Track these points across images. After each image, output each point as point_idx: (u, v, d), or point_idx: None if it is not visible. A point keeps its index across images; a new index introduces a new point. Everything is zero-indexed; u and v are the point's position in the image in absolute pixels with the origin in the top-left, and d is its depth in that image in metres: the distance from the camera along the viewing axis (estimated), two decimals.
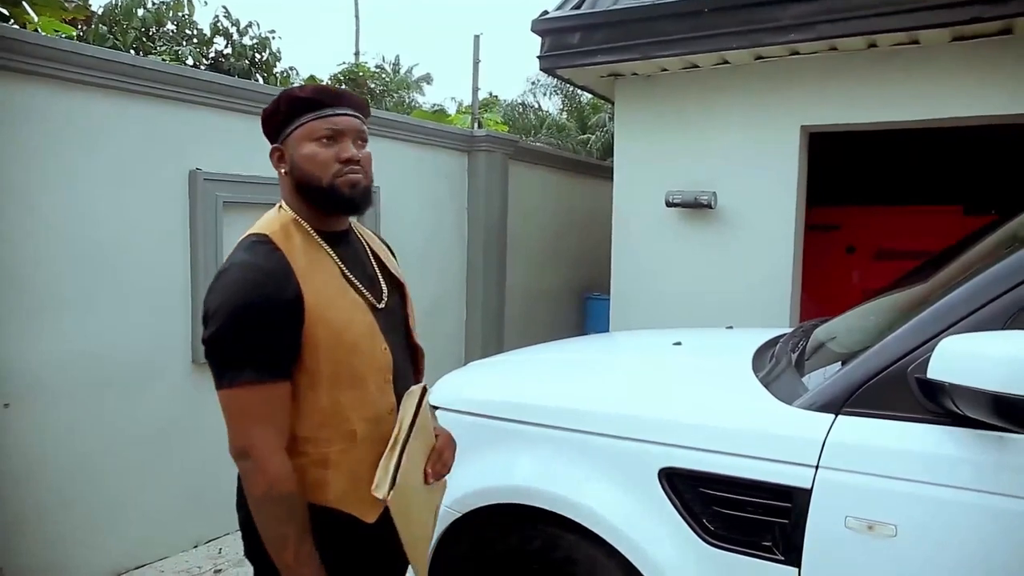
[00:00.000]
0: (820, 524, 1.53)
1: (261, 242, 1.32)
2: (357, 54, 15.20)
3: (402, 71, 16.82)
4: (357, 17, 16.34)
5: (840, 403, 1.58)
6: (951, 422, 1.46)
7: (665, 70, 4.39)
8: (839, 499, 1.52)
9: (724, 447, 1.67)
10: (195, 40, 7.74)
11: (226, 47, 8.01)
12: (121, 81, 2.93)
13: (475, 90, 5.07)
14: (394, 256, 1.66)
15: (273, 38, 8.37)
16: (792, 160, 4.09)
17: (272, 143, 1.42)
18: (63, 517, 2.88)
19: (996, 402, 1.30)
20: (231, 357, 1.25)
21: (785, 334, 2.49)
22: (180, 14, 7.98)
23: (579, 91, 15.24)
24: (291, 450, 1.31)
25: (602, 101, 14.06)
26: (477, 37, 4.98)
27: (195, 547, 3.36)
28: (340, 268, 1.39)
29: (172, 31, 7.95)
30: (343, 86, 10.52)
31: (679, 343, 2.46)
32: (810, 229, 4.39)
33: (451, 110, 14.96)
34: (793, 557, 1.56)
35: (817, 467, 1.55)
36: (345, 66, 10.88)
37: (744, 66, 4.15)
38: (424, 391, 1.42)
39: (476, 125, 5.01)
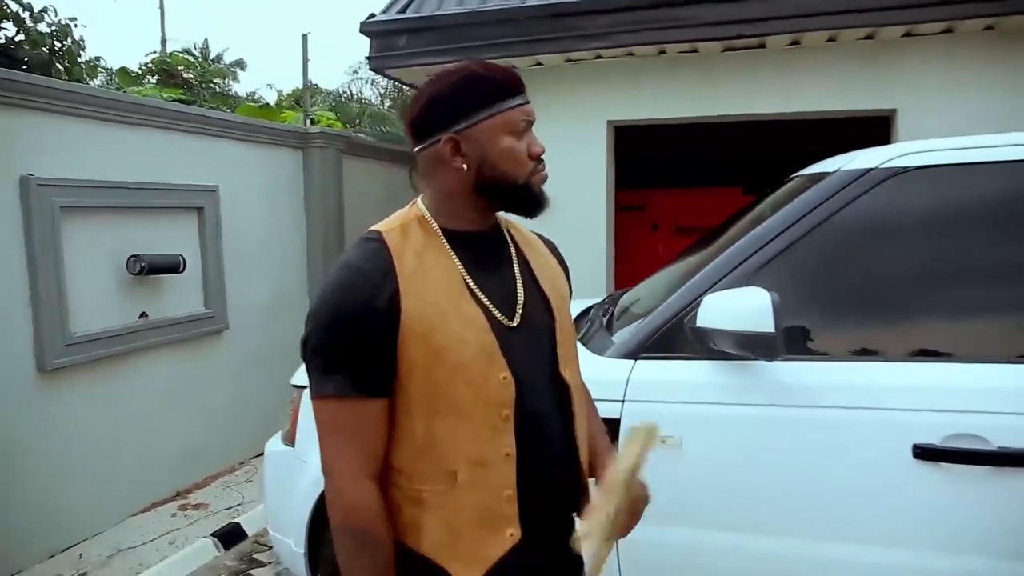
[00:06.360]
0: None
1: (370, 239, 1.17)
2: (164, 41, 14.31)
3: (212, 57, 16.01)
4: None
5: (638, 351, 2.06)
6: (714, 358, 1.98)
7: None
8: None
9: None
10: None
11: (17, 34, 7.27)
12: None
13: (306, 87, 5.20)
14: (565, 268, 1.42)
15: (76, 26, 7.75)
16: (601, 151, 4.67)
17: (434, 132, 1.16)
18: None
19: (736, 337, 1.82)
20: (318, 365, 1.12)
21: (597, 302, 3.00)
22: None
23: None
24: (386, 479, 1.17)
25: None
26: (305, 36, 5.13)
27: (51, 557, 3.34)
28: (462, 275, 1.17)
29: None
30: (154, 76, 9.96)
31: None
32: (620, 210, 5.00)
33: (269, 97, 14.56)
34: None
35: (623, 401, 2.02)
36: (156, 55, 10.25)
37: (556, 67, 4.65)
38: (654, 430, 1.18)
39: (308, 122, 5.15)
